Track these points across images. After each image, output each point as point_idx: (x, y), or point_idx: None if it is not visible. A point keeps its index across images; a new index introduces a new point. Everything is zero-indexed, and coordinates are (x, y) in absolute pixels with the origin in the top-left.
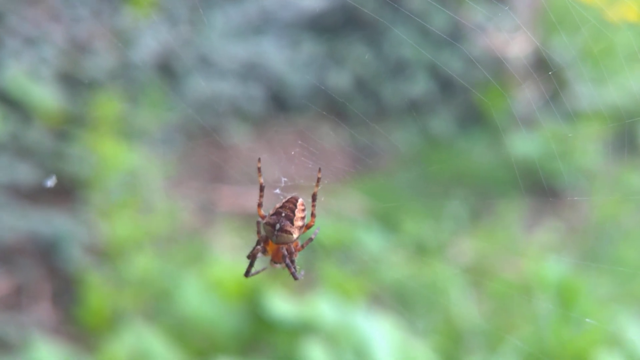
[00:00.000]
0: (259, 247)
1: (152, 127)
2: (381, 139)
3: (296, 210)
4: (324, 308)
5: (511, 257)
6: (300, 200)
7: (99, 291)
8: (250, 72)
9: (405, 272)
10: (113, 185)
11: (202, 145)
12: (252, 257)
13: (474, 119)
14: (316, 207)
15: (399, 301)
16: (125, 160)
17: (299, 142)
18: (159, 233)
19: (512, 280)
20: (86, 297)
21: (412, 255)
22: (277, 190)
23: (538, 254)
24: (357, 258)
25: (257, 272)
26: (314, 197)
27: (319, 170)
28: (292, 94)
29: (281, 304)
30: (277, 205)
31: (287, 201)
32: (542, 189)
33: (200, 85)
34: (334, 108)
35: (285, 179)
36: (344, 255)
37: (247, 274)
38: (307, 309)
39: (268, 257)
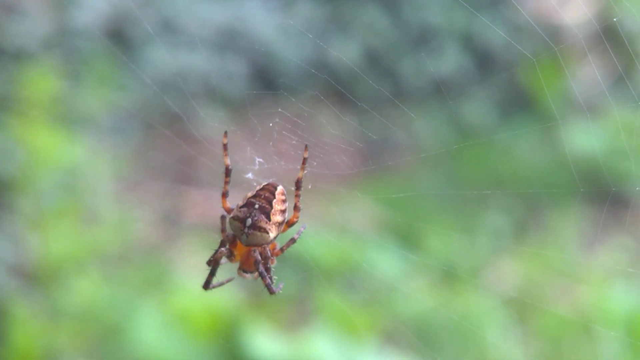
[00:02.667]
0: (223, 249)
1: (99, 112)
2: (399, 130)
3: (274, 201)
4: (322, 348)
5: (567, 284)
6: (280, 188)
7: (27, 326)
8: (229, 42)
9: (428, 303)
10: (47, 187)
11: (165, 136)
12: (213, 263)
13: (520, 104)
14: (306, 201)
15: (421, 340)
16: (64, 155)
17: (288, 131)
18: (107, 250)
19: (568, 314)
20: (11, 334)
21: (437, 281)
22: (249, 175)
23: (601, 281)
24: (366, 285)
25: (221, 284)
26: (298, 185)
27: (305, 148)
28: (283, 71)
29: (266, 342)
30: (249, 194)
31: (263, 189)
32: (607, 196)
33: (162, 58)
34: (338, 90)
35: (260, 160)
36: (349, 281)
37: (206, 285)
38: (299, 349)
39: (236, 265)
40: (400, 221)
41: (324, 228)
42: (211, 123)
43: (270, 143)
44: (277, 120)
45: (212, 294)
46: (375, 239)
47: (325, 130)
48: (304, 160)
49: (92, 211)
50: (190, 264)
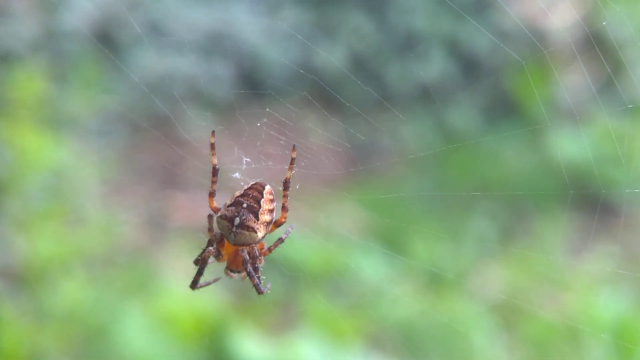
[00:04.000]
0: (211, 249)
1: (86, 114)
2: (385, 135)
3: (262, 201)
4: (307, 352)
5: (553, 290)
6: (267, 188)
7: (13, 327)
8: (216, 45)
9: (414, 308)
10: (34, 189)
11: (151, 139)
12: (201, 262)
13: (506, 110)
14: (293, 203)
15: (406, 346)
16: (50, 157)
17: (278, 134)
18: (93, 252)
19: (554, 320)
20: None
21: (423, 286)
22: (237, 174)
23: (588, 287)
24: (351, 289)
25: (208, 284)
26: (286, 185)
27: (293, 148)
28: (270, 75)
29: (252, 346)
30: (237, 193)
31: (251, 188)
32: (593, 203)
33: (150, 61)
34: (324, 94)
35: (248, 160)
36: (334, 285)
37: (193, 284)
38: (285, 353)
39: (223, 264)
40: (386, 224)
41: (311, 231)
42: (199, 122)
43: (258, 143)
44: (265, 120)
45: (198, 296)
46: (362, 243)
47: (313, 132)
48: (292, 161)
49: (78, 213)
50: (175, 267)
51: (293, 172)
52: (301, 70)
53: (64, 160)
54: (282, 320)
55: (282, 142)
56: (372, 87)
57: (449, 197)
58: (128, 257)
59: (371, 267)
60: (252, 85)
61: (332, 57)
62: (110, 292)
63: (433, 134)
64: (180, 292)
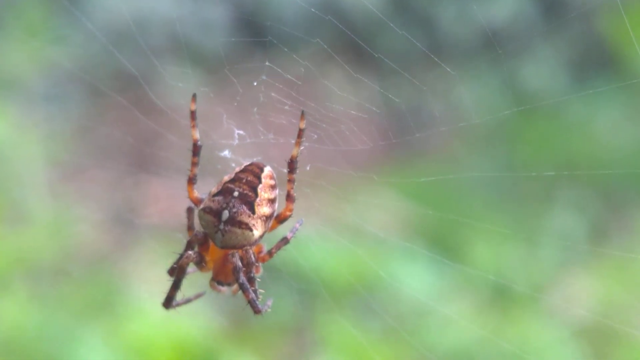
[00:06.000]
0: (190, 253)
1: (29, 73)
2: (435, 98)
3: (260, 188)
4: None
5: None
6: (267, 170)
7: None
8: None
9: (472, 333)
10: None
11: (117, 105)
12: (177, 272)
13: (600, 64)
14: (303, 189)
15: None
16: None
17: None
18: (39, 260)
19: None
20: None
21: (485, 304)
22: (226, 153)
23: None
24: (387, 309)
25: (188, 301)
26: (291, 166)
27: (302, 116)
28: (278, 19)
29: None
30: (226, 178)
31: (244, 171)
32: None
33: (114, 2)
34: (352, 44)
35: (241, 132)
36: (364, 303)
37: (167, 302)
38: None
39: (209, 274)
40: (434, 219)
41: (331, 229)
42: (178, 84)
43: (255, 109)
44: (264, 78)
45: (179, 318)
46: (401, 245)
47: (333, 94)
48: (300, 133)
49: (18, 208)
50: (148, 278)
51: (302, 148)
52: (317, 12)
53: (0, 135)
54: (293, 350)
55: (287, 107)
56: (419, 35)
57: (521, 182)
58: (86, 267)
59: (414, 279)
60: (255, 32)
61: None
62: (62, 313)
63: (499, 97)
64: (155, 312)
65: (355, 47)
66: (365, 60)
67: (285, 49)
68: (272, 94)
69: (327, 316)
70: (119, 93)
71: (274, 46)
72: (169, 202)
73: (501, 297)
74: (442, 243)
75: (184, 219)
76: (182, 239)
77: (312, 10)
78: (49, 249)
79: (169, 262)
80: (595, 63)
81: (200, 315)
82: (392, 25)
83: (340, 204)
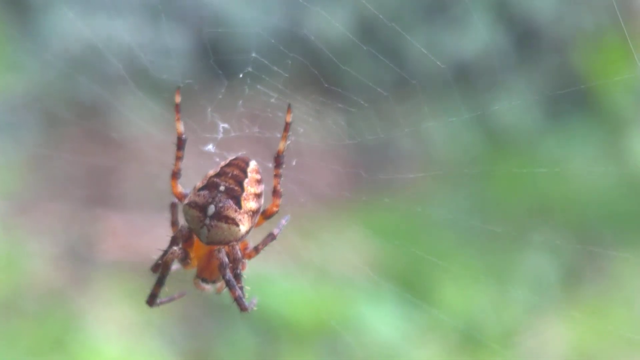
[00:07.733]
0: (175, 249)
1: None
2: (404, 132)
3: (246, 182)
4: None
5: (637, 357)
6: (253, 164)
7: None
8: (166, 4)
9: None
10: None
11: (73, 136)
12: (162, 268)
13: (575, 100)
14: (272, 228)
15: None
16: None
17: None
18: None
19: None
20: None
21: (455, 349)
22: (210, 147)
23: None
24: (354, 353)
25: (172, 299)
26: (278, 160)
27: (289, 108)
28: (242, 46)
29: None
30: (211, 172)
31: (230, 165)
32: None
33: (71, 27)
34: (320, 74)
35: (225, 125)
36: (330, 346)
37: (151, 300)
38: None
39: (192, 271)
40: (404, 262)
41: (296, 269)
42: (138, 120)
43: (240, 103)
44: (250, 70)
45: (135, 358)
46: (369, 286)
47: (304, 130)
48: (287, 127)
49: None
50: (105, 317)
51: (288, 142)
52: (293, 32)
53: None
54: None
55: (273, 100)
56: (388, 65)
57: (493, 223)
58: (39, 304)
59: (382, 321)
60: (218, 60)
61: (331, 21)
62: (12, 351)
63: (471, 133)
64: (112, 352)
65: (325, 75)
66: (334, 91)
67: (249, 80)
68: (257, 87)
69: (293, 359)
70: (76, 122)
71: (243, 78)
72: (128, 238)
73: (471, 343)
74: (411, 285)
75: (143, 255)
76: (147, 277)
77: (273, 41)
78: (0, 284)
79: (130, 303)
80: (570, 98)
81: (157, 356)
82: (360, 53)
83: (307, 241)
